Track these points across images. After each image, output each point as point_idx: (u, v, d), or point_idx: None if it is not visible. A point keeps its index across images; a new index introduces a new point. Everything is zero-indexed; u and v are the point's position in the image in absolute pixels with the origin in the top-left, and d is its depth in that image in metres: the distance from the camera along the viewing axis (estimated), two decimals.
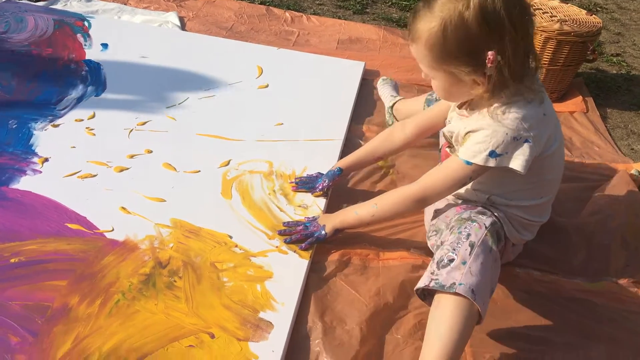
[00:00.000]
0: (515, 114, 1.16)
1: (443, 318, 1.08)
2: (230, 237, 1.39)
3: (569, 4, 2.26)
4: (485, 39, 1.10)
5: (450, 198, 1.38)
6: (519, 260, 1.42)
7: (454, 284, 1.09)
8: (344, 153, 1.69)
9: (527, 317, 1.30)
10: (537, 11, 2.15)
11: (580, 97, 2.24)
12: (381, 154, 1.57)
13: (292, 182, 1.60)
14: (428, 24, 1.12)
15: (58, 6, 2.46)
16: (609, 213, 1.57)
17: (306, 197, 1.55)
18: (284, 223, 1.45)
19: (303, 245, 1.38)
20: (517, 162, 1.17)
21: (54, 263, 1.27)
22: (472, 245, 1.13)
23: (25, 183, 1.49)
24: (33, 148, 1.62)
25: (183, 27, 2.47)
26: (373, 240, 1.45)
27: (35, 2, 2.44)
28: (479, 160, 1.18)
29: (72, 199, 1.45)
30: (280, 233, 1.42)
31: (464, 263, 1.11)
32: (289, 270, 1.33)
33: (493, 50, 1.09)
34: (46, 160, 1.58)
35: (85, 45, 2.15)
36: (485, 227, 1.17)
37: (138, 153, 1.64)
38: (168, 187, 1.53)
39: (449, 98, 1.28)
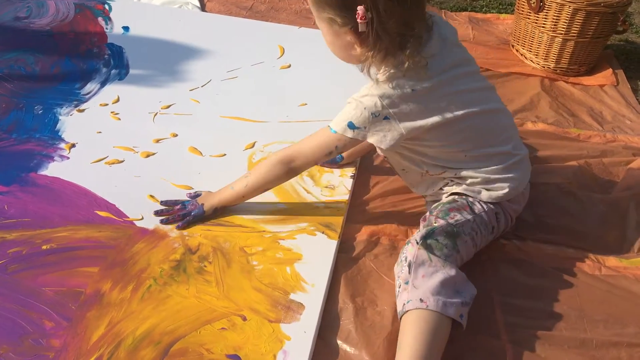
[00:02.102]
0: (374, 91, 1.17)
1: (404, 336, 1.09)
2: (258, 221, 1.39)
3: None
4: None
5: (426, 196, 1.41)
6: (550, 237, 1.40)
7: (404, 304, 1.12)
8: None
9: (563, 295, 1.27)
10: None
11: (610, 70, 2.17)
12: None
13: None
14: None
15: None
16: None
17: (333, 178, 1.53)
18: (162, 202, 1.41)
19: (180, 224, 1.34)
20: (376, 137, 1.20)
21: (85, 250, 1.28)
22: (409, 265, 1.16)
23: (53, 169, 1.49)
24: (59, 134, 1.62)
25: (203, 7, 2.45)
26: (401, 220, 1.43)
27: None
28: (339, 128, 1.22)
29: (101, 185, 1.45)
30: (156, 213, 1.37)
31: (407, 282, 1.14)
32: (318, 251, 1.32)
33: (363, 5, 1.06)
34: (73, 145, 1.58)
35: (106, 28, 2.15)
36: (417, 242, 1.18)
37: (163, 137, 1.64)
38: (195, 173, 1.52)
39: (337, 54, 1.23)
